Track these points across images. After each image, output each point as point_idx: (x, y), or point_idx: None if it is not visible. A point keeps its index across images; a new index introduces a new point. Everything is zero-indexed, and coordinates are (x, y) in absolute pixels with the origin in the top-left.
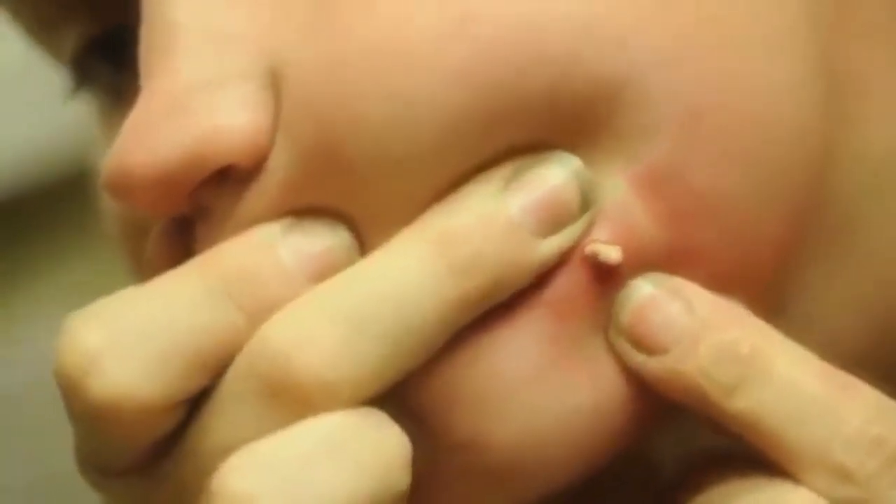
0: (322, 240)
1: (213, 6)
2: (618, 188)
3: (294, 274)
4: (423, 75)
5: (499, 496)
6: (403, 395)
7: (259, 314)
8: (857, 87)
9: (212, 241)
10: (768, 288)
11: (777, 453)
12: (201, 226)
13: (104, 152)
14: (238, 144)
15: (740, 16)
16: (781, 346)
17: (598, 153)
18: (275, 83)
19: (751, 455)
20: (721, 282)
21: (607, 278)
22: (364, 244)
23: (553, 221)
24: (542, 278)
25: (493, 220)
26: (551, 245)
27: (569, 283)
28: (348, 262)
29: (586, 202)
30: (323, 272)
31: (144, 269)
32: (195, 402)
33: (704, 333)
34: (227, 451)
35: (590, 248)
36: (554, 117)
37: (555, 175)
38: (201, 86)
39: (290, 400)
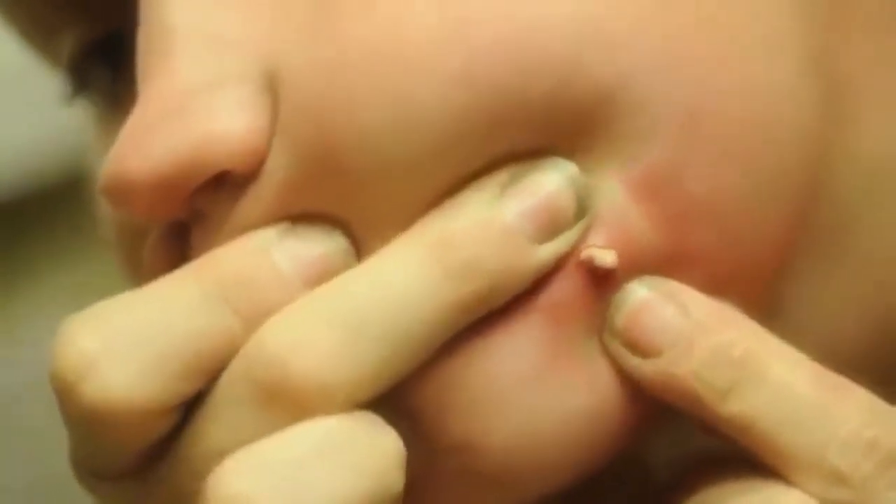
0: (318, 245)
1: (210, 10)
2: (614, 192)
3: (290, 279)
4: (421, 79)
5: (495, 499)
6: (399, 397)
7: (255, 319)
8: (851, 87)
9: (208, 246)
10: (766, 290)
11: (771, 457)
12: (197, 230)
13: (101, 157)
14: (235, 149)
15: (738, 17)
16: (776, 349)
17: (595, 156)
18: (272, 87)
19: (745, 457)
20: (719, 284)
21: (603, 282)
22: (360, 249)
23: (549, 227)
24: (538, 282)
25: (490, 225)
26: (547, 251)
27: (565, 287)
28: (344, 268)
29: (582, 208)
30: (319, 277)
31: (141, 273)
32: (190, 406)
33: (698, 337)
34: (222, 454)
35: (585, 252)
36: (552, 121)
37: (551, 181)
38: (199, 89)
39: (286, 403)
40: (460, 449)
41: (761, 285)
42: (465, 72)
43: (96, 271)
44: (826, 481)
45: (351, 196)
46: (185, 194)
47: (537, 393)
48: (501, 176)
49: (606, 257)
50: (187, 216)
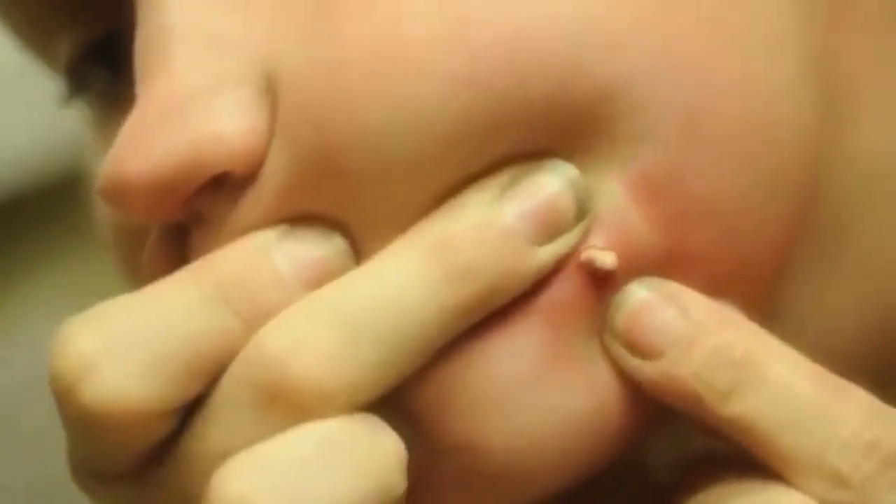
0: (317, 247)
1: (209, 11)
2: (614, 193)
3: (289, 281)
4: (421, 79)
5: (495, 500)
6: (400, 399)
7: (255, 321)
8: (851, 87)
9: (207, 248)
10: (765, 290)
11: (771, 458)
12: (196, 232)
13: (99, 159)
14: (234, 151)
15: (738, 17)
16: (776, 350)
17: (595, 157)
18: (272, 88)
19: (745, 458)
20: (719, 284)
21: (603, 284)
22: (359, 252)
23: (549, 229)
24: (537, 284)
25: (489, 227)
26: (547, 252)
27: (564, 288)
28: (343, 270)
29: (582, 210)
30: (318, 279)
31: (140, 275)
32: (190, 409)
33: (699, 337)
34: (222, 456)
35: (585, 254)
36: (552, 122)
37: (550, 183)
38: (198, 91)
39: (286, 405)
40: (461, 450)
41: (761, 286)
42: (466, 72)
43: (93, 271)
44: (826, 482)
45: (350, 197)
46: (184, 196)
47: (537, 394)
48: (501, 178)
49: (606, 259)
50: (186, 218)
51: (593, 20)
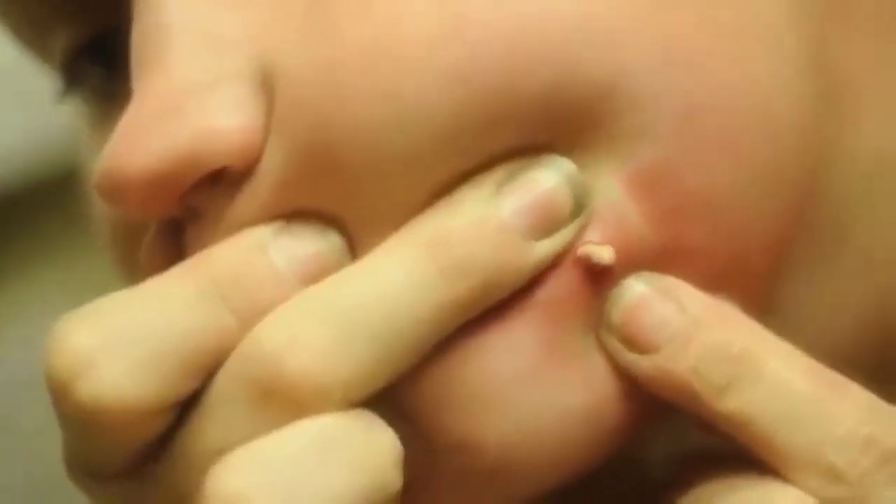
0: (313, 243)
1: (206, 8)
2: (611, 189)
3: (286, 277)
4: (417, 77)
5: (492, 496)
6: (396, 396)
7: (251, 317)
8: (851, 86)
9: (203, 244)
10: (763, 287)
11: (767, 454)
12: (192, 228)
13: (94, 156)
14: (231, 147)
15: (736, 15)
16: (773, 345)
17: (592, 153)
18: (268, 84)
19: (742, 454)
20: (715, 280)
21: (600, 279)
22: (355, 248)
23: (545, 225)
24: (534, 279)
25: (485, 223)
26: (544, 248)
27: (561, 284)
28: (339, 266)
29: (579, 205)
30: (314, 275)
31: (136, 271)
32: (186, 406)
33: (696, 333)
34: (218, 453)
35: (582, 249)
36: (549, 119)
37: (547, 179)
38: (194, 87)
39: (282, 401)
40: (457, 447)
41: (758, 282)
42: (463, 68)
43: (87, 268)
44: (823, 478)
45: (346, 193)
46: (181, 191)
47: (534, 390)
48: (498, 173)
49: (604, 254)
50: (182, 214)
51: (591, 17)
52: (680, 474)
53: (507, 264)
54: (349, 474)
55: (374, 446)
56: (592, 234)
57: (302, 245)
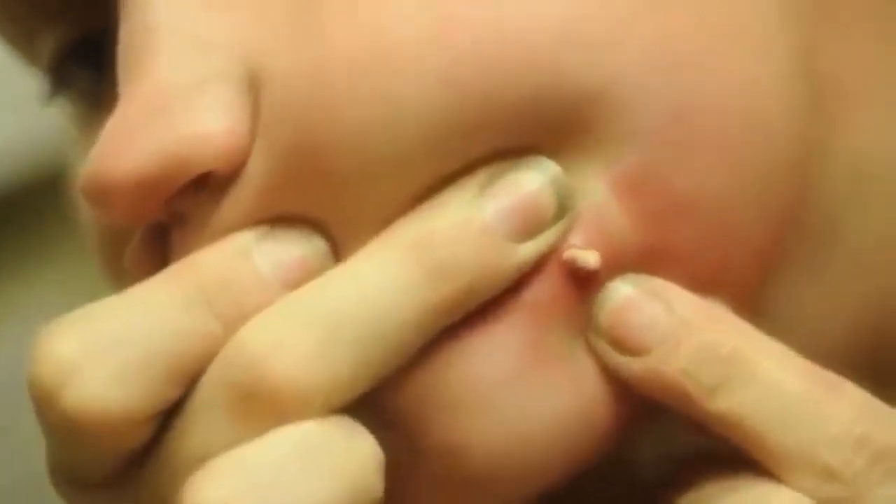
0: (297, 247)
1: (192, 10)
2: (597, 191)
3: (270, 282)
4: (403, 80)
5: (479, 501)
6: (380, 400)
7: (235, 322)
8: (841, 89)
9: (188, 249)
10: (752, 290)
11: (761, 454)
12: (177, 233)
13: (81, 158)
14: (217, 151)
15: (724, 18)
16: (764, 345)
17: (579, 156)
18: (254, 87)
19: (736, 454)
20: (703, 283)
21: (585, 282)
22: (339, 252)
23: (528, 227)
24: (519, 282)
25: (468, 225)
26: (527, 250)
27: (546, 287)
28: (324, 270)
29: (563, 207)
30: (298, 280)
31: (122, 276)
32: (169, 414)
33: (686, 334)
34: (201, 460)
35: (567, 253)
36: (536, 122)
37: (530, 180)
38: (180, 90)
39: (264, 406)
40: (443, 452)
41: (746, 285)
42: (449, 72)
43: (84, 268)
44: (817, 478)
45: (331, 197)
46: (166, 196)
47: (520, 394)
48: (480, 176)
49: (589, 258)
50: (168, 218)
51: (578, 20)
52: (673, 476)
53: (490, 266)
54: (330, 481)
55: (355, 453)
56: (577, 237)
57: (286, 250)
